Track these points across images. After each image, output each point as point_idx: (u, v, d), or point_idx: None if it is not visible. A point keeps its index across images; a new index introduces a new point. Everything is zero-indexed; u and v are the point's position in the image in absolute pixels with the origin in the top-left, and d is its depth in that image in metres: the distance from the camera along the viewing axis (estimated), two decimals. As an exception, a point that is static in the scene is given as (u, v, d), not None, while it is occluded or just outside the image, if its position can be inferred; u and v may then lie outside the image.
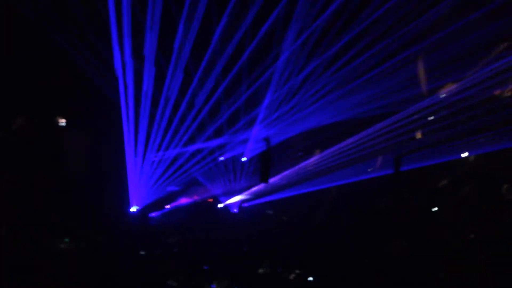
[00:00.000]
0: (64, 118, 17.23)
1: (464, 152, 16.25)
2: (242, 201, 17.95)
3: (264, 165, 17.33)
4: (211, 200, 17.78)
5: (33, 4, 14.60)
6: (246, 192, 17.83)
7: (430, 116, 16.43)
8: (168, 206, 17.18)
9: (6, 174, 15.33)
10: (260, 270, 15.51)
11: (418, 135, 17.11)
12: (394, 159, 16.38)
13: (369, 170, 17.79)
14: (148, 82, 16.17)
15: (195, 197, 17.65)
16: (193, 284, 14.43)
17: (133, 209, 16.13)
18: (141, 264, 14.53)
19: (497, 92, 16.28)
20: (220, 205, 17.81)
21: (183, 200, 17.40)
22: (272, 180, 17.38)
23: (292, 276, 15.52)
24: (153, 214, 16.88)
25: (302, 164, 18.22)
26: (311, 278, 15.47)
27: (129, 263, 14.40)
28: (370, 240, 15.68)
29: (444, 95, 16.20)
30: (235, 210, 17.66)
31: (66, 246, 14.48)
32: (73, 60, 15.70)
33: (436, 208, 16.47)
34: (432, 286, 13.61)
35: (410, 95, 16.07)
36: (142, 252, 15.25)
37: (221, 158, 17.71)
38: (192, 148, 17.11)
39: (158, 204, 16.88)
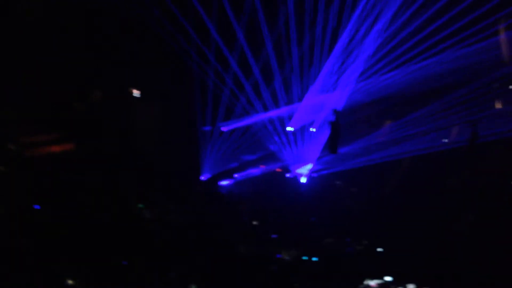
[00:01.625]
0: (138, 89, 17.74)
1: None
2: (311, 171, 17.91)
3: (333, 136, 17.16)
4: (280, 170, 17.86)
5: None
6: (315, 162, 17.76)
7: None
8: (237, 175, 17.44)
9: (84, 145, 16.05)
10: (327, 241, 15.53)
11: (497, 104, 16.36)
12: (471, 124, 15.77)
13: (444, 140, 17.21)
14: (220, 53, 16.40)
15: (264, 167, 17.78)
16: (261, 252, 14.67)
17: (203, 177, 16.53)
18: (210, 231, 14.89)
19: None
20: (288, 175, 17.87)
21: (252, 170, 17.59)
22: (341, 150, 17.22)
23: (359, 248, 15.45)
24: (223, 183, 17.20)
25: (373, 134, 17.90)
26: (380, 249, 15.33)
27: (199, 230, 14.81)
28: (440, 215, 15.26)
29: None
30: (304, 180, 17.66)
31: (141, 211, 15.03)
32: (146, 29, 16.13)
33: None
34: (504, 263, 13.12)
35: (487, 64, 15.41)
36: (212, 220, 15.62)
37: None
38: (262, 117, 17.21)
39: (228, 173, 17.18)
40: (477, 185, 15.82)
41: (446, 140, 17.05)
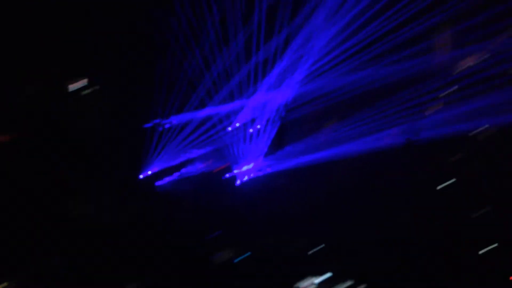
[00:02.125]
0: (79, 81, 17.41)
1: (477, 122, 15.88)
2: (254, 169, 17.92)
3: (278, 135, 17.25)
4: (222, 167, 17.80)
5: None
6: (257, 162, 17.76)
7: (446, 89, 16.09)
8: (178, 174, 17.31)
9: (20, 137, 15.71)
10: (266, 241, 15.62)
11: (432, 107, 16.71)
12: (407, 126, 16.14)
13: (380, 141, 17.49)
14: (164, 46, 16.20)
15: (207, 165, 17.70)
16: (196, 254, 14.68)
17: (141, 176, 16.36)
18: (145, 230, 14.81)
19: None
20: (229, 174, 17.82)
21: (194, 168, 17.48)
22: (285, 149, 17.29)
23: (297, 247, 15.59)
24: (160, 182, 17.06)
25: (316, 134, 18.00)
26: (319, 247, 15.54)
27: (134, 229, 14.71)
28: (376, 213, 15.55)
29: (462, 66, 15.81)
30: (245, 179, 17.66)
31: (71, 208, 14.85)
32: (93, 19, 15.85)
33: (443, 185, 16.19)
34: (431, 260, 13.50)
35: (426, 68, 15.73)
36: (147, 219, 15.52)
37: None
38: (204, 113, 17.10)
39: (165, 172, 17.04)
40: (412, 185, 16.18)
41: (386, 141, 17.31)
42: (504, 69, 15.67)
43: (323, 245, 15.61)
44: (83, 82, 17.28)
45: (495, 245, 14.05)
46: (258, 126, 17.70)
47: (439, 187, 15.57)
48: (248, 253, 14.63)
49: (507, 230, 13.81)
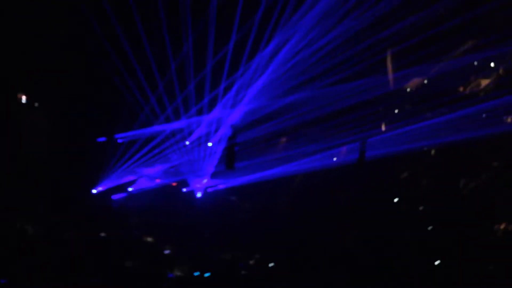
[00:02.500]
0: (28, 96, 16.93)
1: (425, 142, 16.68)
2: (206, 186, 17.93)
3: (230, 152, 17.35)
4: (175, 184, 17.72)
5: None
6: (211, 177, 17.82)
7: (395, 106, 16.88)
8: (131, 189, 17.07)
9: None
10: (221, 256, 15.60)
11: (383, 125, 17.47)
12: (359, 144, 16.65)
13: (334, 159, 17.98)
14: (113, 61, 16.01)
15: (160, 181, 17.57)
16: (153, 268, 14.44)
17: (95, 191, 16.03)
18: (101, 245, 14.45)
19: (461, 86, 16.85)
20: (184, 190, 17.76)
21: (148, 183, 17.30)
22: (238, 165, 17.42)
23: (252, 262, 15.66)
24: (116, 197, 16.76)
25: (269, 151, 18.29)
26: (271, 264, 15.63)
27: (89, 244, 14.32)
28: (330, 229, 15.90)
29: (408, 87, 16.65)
30: (199, 195, 17.64)
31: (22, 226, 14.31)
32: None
33: (396, 199, 16.82)
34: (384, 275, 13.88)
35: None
36: (102, 234, 15.16)
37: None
38: (161, 129, 17.02)
39: (121, 187, 16.77)
40: (364, 200, 16.70)
41: (335, 158, 17.84)
42: (448, 88, 16.68)
43: (272, 264, 15.74)
44: (27, 99, 16.86)
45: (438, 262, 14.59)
46: (210, 144, 17.80)
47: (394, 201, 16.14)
48: (208, 274, 14.59)
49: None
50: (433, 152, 17.03)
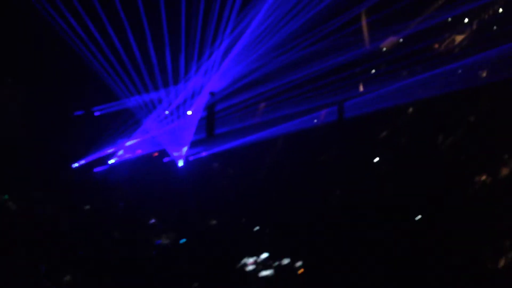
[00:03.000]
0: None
1: (403, 99, 16.85)
2: (188, 154, 17.94)
3: (210, 119, 17.33)
4: (156, 154, 17.69)
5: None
6: (192, 146, 17.81)
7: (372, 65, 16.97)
8: (112, 161, 17.00)
9: None
10: (206, 223, 15.72)
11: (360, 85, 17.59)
12: (338, 105, 16.74)
13: (314, 120, 18.09)
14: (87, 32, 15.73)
15: (140, 151, 17.52)
16: (139, 237, 14.51)
17: (76, 164, 15.94)
18: (85, 218, 14.45)
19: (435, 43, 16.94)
20: (166, 159, 17.75)
21: (128, 154, 17.24)
22: (218, 131, 17.44)
23: (237, 229, 15.80)
24: (97, 169, 16.70)
25: (248, 117, 18.31)
26: (256, 228, 15.81)
27: (73, 218, 14.30)
28: (312, 192, 16.05)
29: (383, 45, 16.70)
30: (181, 164, 17.66)
31: (4, 203, 14.19)
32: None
33: (376, 159, 17.01)
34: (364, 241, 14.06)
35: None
36: (87, 207, 15.14)
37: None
38: (139, 100, 16.87)
39: (102, 160, 16.70)
40: (345, 160, 16.85)
41: (316, 120, 17.95)
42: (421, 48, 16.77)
43: (258, 227, 15.89)
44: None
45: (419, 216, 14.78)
46: (189, 112, 17.74)
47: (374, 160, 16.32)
48: (184, 240, 14.70)
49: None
50: (410, 110, 17.21)
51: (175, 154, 17.69)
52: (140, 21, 15.98)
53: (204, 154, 17.87)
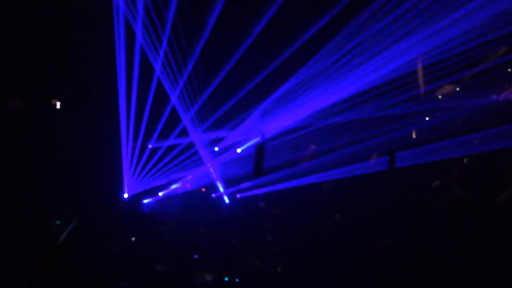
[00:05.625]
0: (61, 101, 17.17)
1: (458, 152, 16.44)
2: (235, 192, 18.03)
3: (258, 158, 17.36)
4: (204, 189, 17.85)
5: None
6: (240, 183, 17.91)
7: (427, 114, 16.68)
8: (161, 194, 17.24)
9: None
10: (249, 262, 15.63)
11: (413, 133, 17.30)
12: (389, 155, 16.47)
13: (365, 167, 17.87)
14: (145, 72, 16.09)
15: (189, 186, 17.71)
16: (182, 272, 14.54)
17: (126, 195, 16.19)
18: (131, 249, 14.59)
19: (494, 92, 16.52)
20: (213, 195, 17.88)
21: (177, 189, 17.46)
22: (266, 172, 17.44)
23: (279, 269, 15.64)
24: (146, 202, 16.95)
25: (298, 158, 18.28)
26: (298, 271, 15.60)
27: (120, 248, 14.47)
28: (360, 237, 15.80)
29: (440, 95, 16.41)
30: (228, 201, 17.73)
31: (57, 229, 14.49)
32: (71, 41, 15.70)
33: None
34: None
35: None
36: (133, 238, 15.32)
37: (216, 149, 17.73)
38: (193, 138, 17.12)
39: (151, 192, 16.95)
40: (395, 208, 16.58)
41: (366, 167, 17.73)
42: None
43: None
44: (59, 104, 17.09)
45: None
46: (239, 150, 17.86)
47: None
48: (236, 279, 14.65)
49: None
50: (465, 160, 16.80)
51: (223, 190, 17.82)
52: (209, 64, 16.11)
53: (251, 192, 17.92)
